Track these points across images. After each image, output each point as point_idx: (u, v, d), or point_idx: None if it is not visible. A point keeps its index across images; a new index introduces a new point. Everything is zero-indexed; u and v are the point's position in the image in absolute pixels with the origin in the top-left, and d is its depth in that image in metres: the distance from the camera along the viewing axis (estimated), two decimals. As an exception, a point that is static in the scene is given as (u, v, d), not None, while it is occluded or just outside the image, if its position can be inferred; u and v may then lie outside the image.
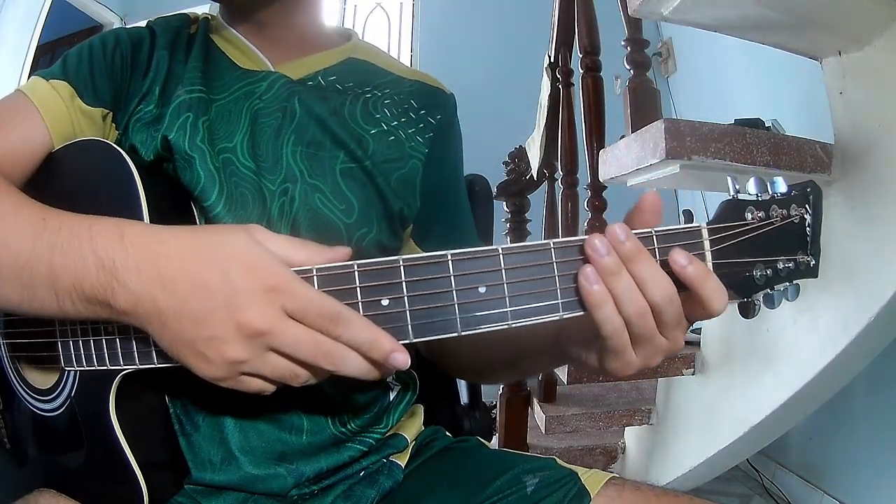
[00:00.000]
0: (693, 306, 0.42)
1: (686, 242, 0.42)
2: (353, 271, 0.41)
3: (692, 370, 1.41)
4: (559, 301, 0.41)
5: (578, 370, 1.34)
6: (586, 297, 0.41)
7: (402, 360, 0.40)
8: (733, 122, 1.12)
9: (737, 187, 0.43)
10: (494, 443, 1.68)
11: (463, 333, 0.41)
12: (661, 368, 1.41)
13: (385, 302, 0.41)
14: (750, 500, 1.92)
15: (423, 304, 0.41)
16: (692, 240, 0.42)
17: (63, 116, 0.57)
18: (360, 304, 0.41)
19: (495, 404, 1.71)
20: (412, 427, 0.67)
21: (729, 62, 2.42)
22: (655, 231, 0.42)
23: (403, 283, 0.41)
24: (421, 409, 0.71)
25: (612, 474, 0.58)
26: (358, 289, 0.41)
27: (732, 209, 0.43)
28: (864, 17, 0.95)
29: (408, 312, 0.41)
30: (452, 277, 0.41)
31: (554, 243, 0.41)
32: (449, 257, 0.41)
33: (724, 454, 1.34)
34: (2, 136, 0.55)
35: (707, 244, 0.42)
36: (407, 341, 0.41)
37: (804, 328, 1.12)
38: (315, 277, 0.41)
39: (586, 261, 0.41)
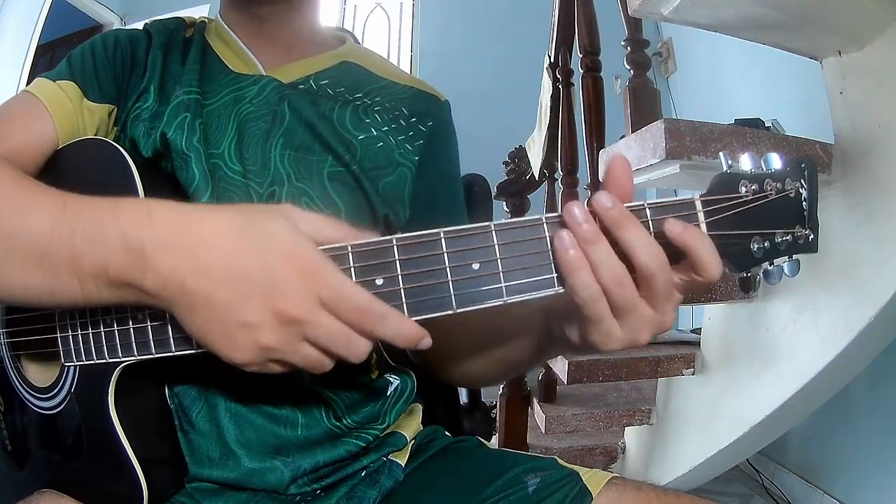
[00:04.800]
0: (688, 274, 0.41)
1: (680, 214, 0.42)
2: (347, 252, 0.41)
3: (692, 370, 1.41)
4: (553, 275, 0.41)
5: (578, 370, 1.35)
6: (561, 262, 0.40)
7: (427, 343, 0.41)
8: (733, 122, 1.13)
9: (730, 163, 0.43)
10: (494, 443, 1.68)
11: (458, 311, 0.41)
12: (661, 368, 1.41)
13: (379, 281, 0.41)
14: (750, 500, 1.92)
15: (417, 282, 0.41)
16: (686, 211, 0.42)
17: (70, 115, 0.58)
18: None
19: (495, 404, 1.71)
20: (410, 426, 0.67)
21: (729, 62, 2.42)
22: (648, 203, 0.42)
23: (397, 262, 0.40)
24: (419, 409, 0.71)
25: (614, 474, 0.58)
26: (352, 269, 0.41)
27: (725, 182, 0.43)
28: (864, 17, 0.96)
29: (402, 291, 0.41)
30: (446, 255, 0.41)
31: (546, 218, 0.41)
32: (441, 235, 0.40)
33: (724, 454, 1.34)
34: (11, 133, 0.56)
35: (701, 216, 0.42)
36: None
37: (804, 328, 1.12)
38: None
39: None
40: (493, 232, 0.41)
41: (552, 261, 0.41)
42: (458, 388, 0.87)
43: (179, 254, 0.39)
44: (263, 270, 0.38)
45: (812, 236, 0.43)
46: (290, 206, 0.42)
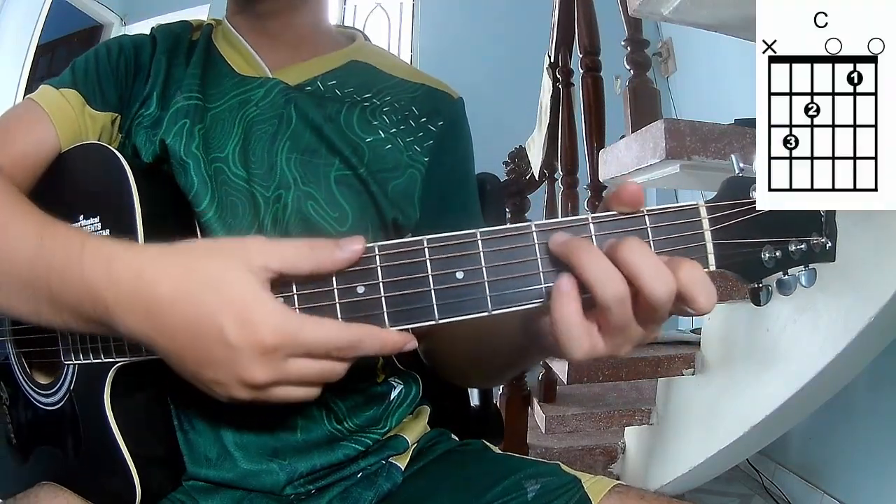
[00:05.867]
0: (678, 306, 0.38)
1: (682, 222, 0.39)
2: None
3: (692, 370, 1.41)
4: (542, 286, 0.39)
5: (578, 370, 1.34)
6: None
7: (412, 345, 0.41)
8: (733, 122, 1.12)
9: (741, 165, 0.40)
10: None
11: (441, 321, 0.39)
12: (661, 368, 1.41)
13: (360, 289, 0.40)
14: (750, 500, 1.92)
15: (398, 290, 0.40)
16: (689, 219, 0.39)
17: (72, 123, 0.59)
18: (335, 291, 0.40)
19: (496, 404, 1.71)
20: (415, 428, 0.66)
21: (729, 62, 2.43)
22: (647, 210, 0.39)
23: (378, 270, 0.40)
24: (426, 411, 0.70)
25: (617, 482, 0.57)
26: (333, 276, 0.40)
27: (735, 186, 0.40)
28: (864, 16, 0.95)
29: (383, 299, 0.40)
30: (429, 263, 0.39)
31: (535, 225, 0.39)
32: (425, 243, 0.40)
33: (724, 454, 1.34)
34: (13, 140, 0.57)
35: (706, 223, 0.39)
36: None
37: (804, 328, 1.12)
38: None
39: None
40: (479, 240, 0.39)
41: (541, 270, 0.39)
42: (469, 390, 0.86)
43: (141, 316, 0.39)
44: (220, 344, 0.38)
45: (829, 244, 0.41)
46: (259, 243, 0.40)
